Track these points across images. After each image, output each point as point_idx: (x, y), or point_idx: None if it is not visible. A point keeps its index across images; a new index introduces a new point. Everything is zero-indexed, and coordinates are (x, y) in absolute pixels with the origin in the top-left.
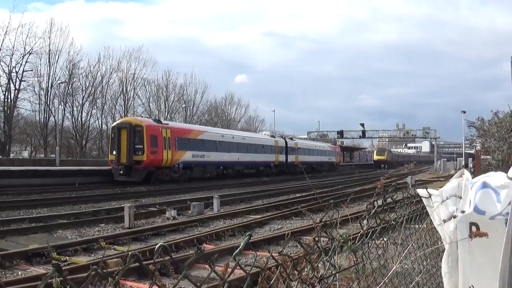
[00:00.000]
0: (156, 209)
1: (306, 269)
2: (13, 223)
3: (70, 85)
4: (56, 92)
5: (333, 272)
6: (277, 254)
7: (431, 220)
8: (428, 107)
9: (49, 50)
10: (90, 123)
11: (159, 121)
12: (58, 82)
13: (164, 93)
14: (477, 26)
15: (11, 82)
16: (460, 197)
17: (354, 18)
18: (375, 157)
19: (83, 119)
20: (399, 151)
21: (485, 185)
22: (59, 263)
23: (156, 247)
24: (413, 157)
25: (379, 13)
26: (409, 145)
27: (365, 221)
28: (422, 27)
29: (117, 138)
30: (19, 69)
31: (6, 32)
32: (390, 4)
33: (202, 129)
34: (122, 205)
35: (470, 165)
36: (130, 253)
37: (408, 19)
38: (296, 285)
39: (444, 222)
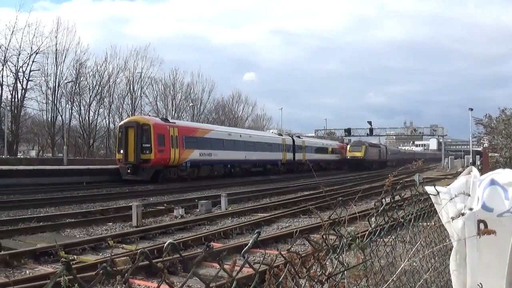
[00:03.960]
0: (163, 207)
1: (314, 267)
2: (21, 222)
3: (77, 84)
4: (63, 91)
5: (341, 270)
6: (286, 252)
7: (439, 218)
8: (435, 105)
9: (56, 50)
10: (98, 122)
11: (166, 120)
12: (65, 81)
13: (171, 91)
14: (484, 23)
15: (18, 81)
16: (468, 195)
17: (361, 15)
18: (349, 154)
19: (91, 118)
20: (386, 146)
21: (493, 182)
22: (69, 260)
23: (165, 244)
24: (407, 155)
25: (386, 10)
26: (416, 142)
27: (373, 219)
28: (429, 24)
29: (124, 137)
30: (26, 69)
31: (12, 32)
32: (397, 1)
33: (209, 128)
34: (130, 204)
35: (478, 162)
36: (139, 250)
37: (415, 16)
38: (304, 283)
39: (452, 220)
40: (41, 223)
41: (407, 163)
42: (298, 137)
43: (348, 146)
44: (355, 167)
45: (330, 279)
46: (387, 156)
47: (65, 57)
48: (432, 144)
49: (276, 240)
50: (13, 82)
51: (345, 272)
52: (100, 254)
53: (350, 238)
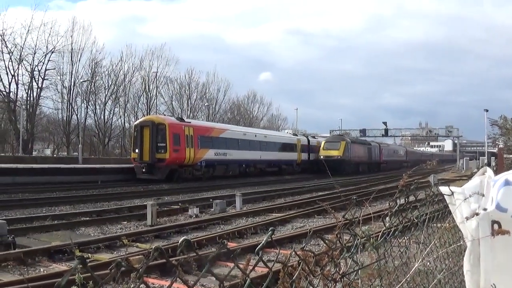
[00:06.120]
0: (178, 207)
1: (328, 266)
2: (36, 220)
3: (92, 84)
4: (79, 90)
5: (355, 269)
6: (300, 250)
7: (453, 218)
8: (451, 106)
9: (72, 49)
10: (113, 121)
11: (181, 119)
12: (81, 80)
13: (186, 91)
14: (502, 23)
15: (33, 80)
16: (483, 195)
17: (378, 15)
18: (322, 153)
19: (106, 117)
20: (380, 144)
21: (507, 183)
22: (84, 255)
23: (180, 241)
24: (412, 156)
25: (402, 10)
26: (431, 143)
27: (387, 219)
28: (446, 25)
29: (139, 136)
30: (41, 68)
31: (28, 31)
32: (414, 1)
33: (224, 127)
34: (145, 203)
35: (493, 163)
36: (154, 247)
37: (432, 17)
38: (318, 282)
39: (466, 220)
40: (55, 221)
41: (412, 166)
42: (313, 137)
43: (322, 143)
44: (332, 170)
45: (344, 278)
46: (381, 156)
47: (81, 56)
48: (448, 145)
49: (291, 240)
50: (29, 81)
51: (359, 271)
52: (115, 252)
53: (364, 237)
